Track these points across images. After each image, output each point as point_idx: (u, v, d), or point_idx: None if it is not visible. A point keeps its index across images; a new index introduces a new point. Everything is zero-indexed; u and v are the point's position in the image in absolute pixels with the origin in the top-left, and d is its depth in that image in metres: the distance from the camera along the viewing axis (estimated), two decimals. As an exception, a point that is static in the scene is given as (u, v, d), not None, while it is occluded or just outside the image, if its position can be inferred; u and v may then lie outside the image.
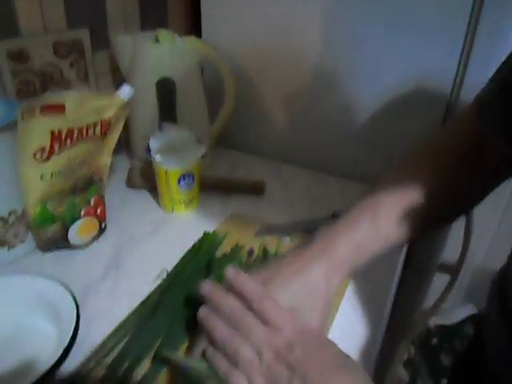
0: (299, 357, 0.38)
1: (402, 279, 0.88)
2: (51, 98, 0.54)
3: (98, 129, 0.61)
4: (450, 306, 1.68)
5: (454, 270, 0.97)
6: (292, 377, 0.37)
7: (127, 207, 0.77)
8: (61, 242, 0.65)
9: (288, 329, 0.40)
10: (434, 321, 1.69)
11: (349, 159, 0.89)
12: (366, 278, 0.60)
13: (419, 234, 0.51)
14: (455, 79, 0.74)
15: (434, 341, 1.63)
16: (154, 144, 0.70)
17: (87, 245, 0.67)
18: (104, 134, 0.62)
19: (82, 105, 0.57)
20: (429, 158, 0.52)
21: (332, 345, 0.41)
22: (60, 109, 0.54)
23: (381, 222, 0.48)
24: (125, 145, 0.93)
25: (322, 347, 0.40)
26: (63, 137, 0.56)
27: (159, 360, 0.47)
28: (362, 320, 0.56)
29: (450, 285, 1.01)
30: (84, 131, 0.59)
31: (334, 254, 0.46)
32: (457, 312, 1.73)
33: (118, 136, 0.67)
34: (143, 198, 0.80)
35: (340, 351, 0.40)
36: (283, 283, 0.44)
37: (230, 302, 0.43)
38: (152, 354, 0.48)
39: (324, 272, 0.45)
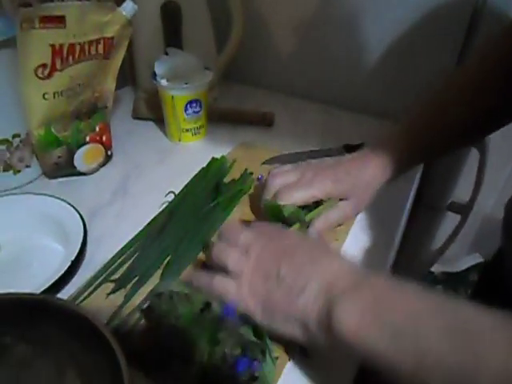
0: (285, 245, 0.40)
1: (413, 216, 0.87)
2: (51, 8, 0.51)
3: (101, 47, 0.58)
4: (456, 254, 1.69)
5: (464, 210, 0.95)
6: (279, 261, 0.37)
7: (133, 137, 0.75)
8: (67, 168, 0.64)
9: (270, 229, 0.43)
10: (440, 268, 1.70)
11: (361, 95, 0.85)
12: (377, 209, 0.59)
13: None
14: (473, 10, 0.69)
15: (439, 287, 1.65)
16: (159, 69, 0.67)
17: (94, 171, 0.66)
18: (107, 53, 0.60)
19: (83, 18, 0.54)
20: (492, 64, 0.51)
21: (320, 240, 0.45)
22: (60, 21, 0.52)
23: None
24: (130, 77, 0.90)
25: (310, 239, 0.43)
26: (64, 52, 0.54)
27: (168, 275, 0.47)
28: (371, 250, 0.55)
29: (460, 225, 0.99)
30: (86, 48, 0.56)
31: (385, 157, 0.53)
32: (462, 260, 1.74)
33: (121, 58, 0.64)
34: (149, 128, 0.78)
35: (332, 253, 0.40)
36: (340, 178, 0.51)
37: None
38: (161, 270, 0.48)
39: (376, 172, 0.53)
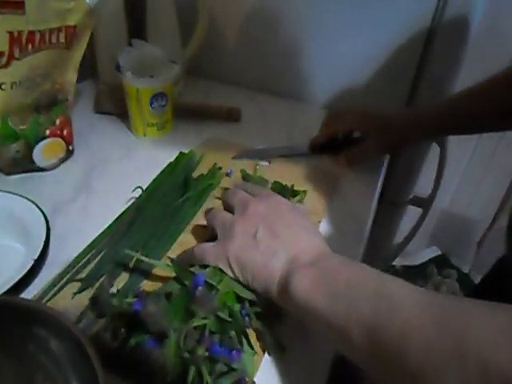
0: (270, 211, 0.42)
1: (376, 211, 0.88)
2: (8, -8, 0.48)
3: (63, 35, 0.56)
4: (416, 248, 1.74)
5: (425, 204, 0.98)
6: (259, 223, 0.40)
7: (96, 132, 0.73)
8: (25, 164, 0.61)
9: (267, 194, 0.46)
10: (401, 262, 1.75)
11: (326, 90, 0.86)
12: (345, 203, 0.60)
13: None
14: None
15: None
16: (123, 61, 0.65)
17: (54, 167, 0.63)
18: (69, 42, 0.57)
19: (44, 5, 0.51)
20: None
21: (305, 220, 0.44)
22: (19, 6, 0.49)
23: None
24: (91, 70, 0.86)
25: (297, 211, 0.44)
26: (23, 40, 0.51)
27: (138, 272, 0.45)
28: (340, 244, 0.55)
29: (421, 219, 1.02)
30: (47, 36, 0.54)
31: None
32: (421, 254, 1.80)
33: (84, 49, 0.62)
34: (113, 123, 0.76)
35: (311, 229, 0.43)
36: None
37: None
38: (130, 267, 0.46)
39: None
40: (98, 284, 0.44)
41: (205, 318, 0.37)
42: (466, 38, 0.74)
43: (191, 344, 0.35)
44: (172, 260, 0.41)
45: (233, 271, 0.40)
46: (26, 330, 0.33)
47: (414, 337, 0.27)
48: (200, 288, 0.37)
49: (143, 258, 0.43)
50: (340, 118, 0.67)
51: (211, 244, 0.42)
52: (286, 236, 0.40)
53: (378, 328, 0.29)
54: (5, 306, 0.33)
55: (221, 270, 0.41)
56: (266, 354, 0.40)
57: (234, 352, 0.36)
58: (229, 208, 0.46)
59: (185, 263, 0.43)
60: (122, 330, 0.37)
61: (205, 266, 0.42)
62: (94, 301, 0.38)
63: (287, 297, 0.36)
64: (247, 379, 0.36)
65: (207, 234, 0.48)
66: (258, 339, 0.40)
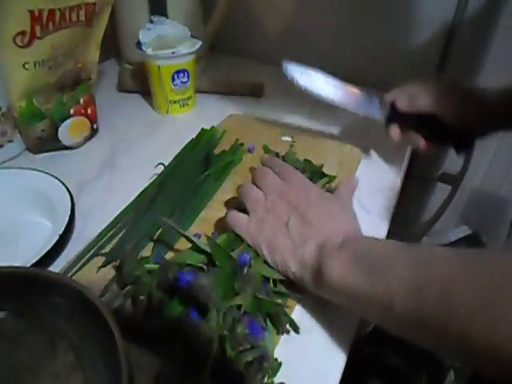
0: (301, 200, 0.43)
1: (404, 187, 0.86)
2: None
3: (83, 13, 0.55)
4: (445, 226, 1.70)
5: (455, 181, 0.95)
6: (291, 213, 0.42)
7: (120, 111, 0.73)
8: (51, 142, 0.62)
9: (297, 181, 0.45)
10: (430, 241, 1.72)
11: (352, 64, 0.84)
12: (371, 179, 0.59)
13: None
14: None
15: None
16: (144, 37, 0.65)
17: (79, 145, 0.64)
18: (89, 20, 0.57)
19: (63, -18, 0.51)
20: None
21: (336, 202, 0.44)
22: (38, -16, 0.49)
23: None
24: (113, 49, 0.87)
25: (326, 200, 0.44)
26: (44, 19, 0.51)
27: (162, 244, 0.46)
28: (366, 220, 0.54)
29: (450, 196, 1.00)
30: (67, 14, 0.54)
31: None
32: (451, 233, 1.76)
33: (104, 26, 0.62)
34: (136, 101, 0.76)
35: (343, 208, 0.44)
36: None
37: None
38: (152, 243, 0.47)
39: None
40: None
41: (243, 299, 0.37)
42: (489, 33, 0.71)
43: (230, 322, 0.36)
44: (208, 238, 0.41)
45: (263, 253, 0.42)
46: (51, 300, 0.34)
47: (460, 284, 0.27)
48: (246, 267, 0.38)
49: (175, 226, 0.44)
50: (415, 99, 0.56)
51: (245, 217, 0.44)
52: (316, 224, 0.41)
53: (420, 290, 0.29)
54: (32, 277, 0.34)
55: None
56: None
57: (259, 327, 0.36)
58: (257, 186, 0.46)
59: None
60: (155, 299, 0.38)
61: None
62: (121, 268, 0.40)
63: (322, 283, 0.37)
64: (269, 356, 0.36)
65: (236, 204, 0.48)
66: (274, 319, 0.40)
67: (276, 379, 0.36)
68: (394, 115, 0.57)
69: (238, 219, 0.44)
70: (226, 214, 0.46)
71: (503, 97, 0.53)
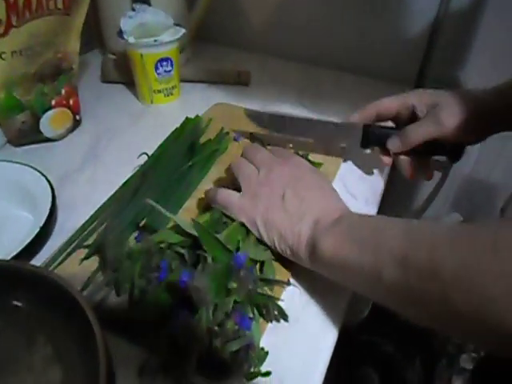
0: (294, 174, 0.43)
1: (393, 175, 0.86)
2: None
3: (60, 1, 0.54)
4: (436, 214, 1.71)
5: (444, 167, 0.95)
6: (285, 187, 0.41)
7: (103, 102, 0.72)
8: (33, 134, 0.60)
9: (288, 155, 0.46)
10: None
11: (337, 52, 0.83)
12: (358, 165, 0.59)
13: None
14: None
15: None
16: (126, 25, 0.63)
17: (62, 137, 0.63)
18: (67, 8, 0.56)
19: (38, -32, 0.50)
20: None
21: (324, 177, 0.45)
22: (12, -30, 0.47)
23: None
24: (97, 39, 0.85)
25: (316, 173, 0.44)
26: (20, 7, 0.50)
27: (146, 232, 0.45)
28: (353, 205, 0.54)
29: (440, 183, 0.99)
30: (44, 2, 0.52)
31: None
32: (443, 221, 1.76)
33: (84, 15, 0.60)
34: (120, 91, 0.75)
35: (331, 191, 0.44)
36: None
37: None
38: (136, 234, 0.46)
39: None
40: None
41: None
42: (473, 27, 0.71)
43: (220, 317, 0.35)
44: (195, 221, 0.40)
45: (258, 231, 0.41)
46: (30, 294, 0.33)
47: (445, 249, 0.28)
48: (243, 268, 0.37)
49: (162, 209, 0.41)
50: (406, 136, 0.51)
51: (236, 194, 0.43)
52: (311, 198, 0.41)
53: (408, 257, 0.30)
54: (12, 270, 0.34)
55: (244, 225, 0.42)
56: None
57: (249, 321, 0.36)
58: (250, 160, 0.46)
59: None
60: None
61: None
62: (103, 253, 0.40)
63: (317, 258, 0.37)
64: (256, 345, 0.36)
65: (227, 180, 0.48)
66: (262, 306, 0.39)
67: (263, 368, 0.35)
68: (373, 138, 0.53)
69: (228, 196, 0.44)
70: (210, 191, 0.46)
71: (502, 99, 0.49)
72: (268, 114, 0.59)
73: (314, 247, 0.37)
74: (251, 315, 0.38)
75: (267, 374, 0.35)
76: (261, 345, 0.37)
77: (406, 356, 1.03)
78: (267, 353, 0.36)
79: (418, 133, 0.49)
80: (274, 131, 0.57)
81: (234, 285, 0.36)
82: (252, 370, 0.35)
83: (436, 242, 0.29)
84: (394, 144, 0.51)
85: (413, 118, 0.51)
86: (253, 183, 0.43)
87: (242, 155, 0.48)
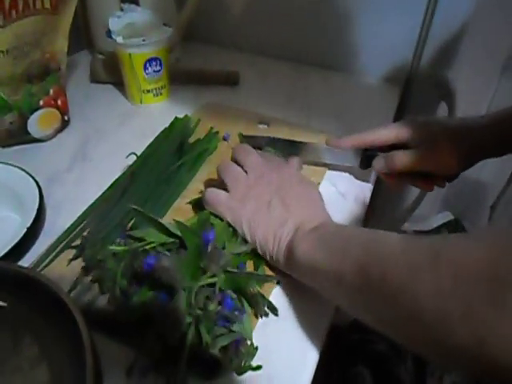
0: (283, 182, 0.44)
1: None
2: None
3: (47, 1, 0.54)
4: (427, 212, 1.72)
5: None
6: (273, 193, 0.42)
7: (92, 102, 0.72)
8: (20, 135, 0.60)
9: (278, 161, 0.47)
10: (411, 227, 1.73)
11: (329, 51, 0.83)
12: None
13: None
14: None
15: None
16: (114, 25, 0.63)
17: (50, 137, 0.63)
18: (54, 7, 0.55)
19: (24, -33, 0.49)
20: None
21: (312, 186, 0.46)
22: (-3, -31, 0.47)
23: None
24: (86, 40, 0.85)
25: (303, 183, 0.45)
26: (6, 6, 0.50)
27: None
28: (342, 205, 0.54)
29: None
30: (31, 2, 0.52)
31: None
32: (433, 219, 1.77)
33: (72, 14, 0.60)
34: (109, 92, 0.74)
35: (318, 193, 0.46)
36: None
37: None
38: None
39: None
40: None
41: (214, 276, 0.38)
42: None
43: (202, 301, 0.36)
44: (178, 222, 0.41)
45: (243, 231, 0.43)
46: (16, 295, 0.33)
47: (394, 261, 0.29)
48: (211, 244, 0.38)
49: (147, 214, 0.42)
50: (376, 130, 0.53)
51: (225, 194, 0.44)
52: (295, 207, 0.42)
53: (368, 263, 0.31)
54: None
55: (231, 226, 0.43)
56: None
57: (237, 312, 0.36)
58: (238, 164, 0.47)
59: None
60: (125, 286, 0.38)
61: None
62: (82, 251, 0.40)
63: (292, 263, 0.39)
64: (246, 340, 0.36)
65: (217, 181, 0.48)
66: (251, 301, 0.39)
67: (253, 363, 0.36)
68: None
69: (216, 195, 0.44)
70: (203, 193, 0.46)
71: (493, 127, 0.50)
72: (265, 138, 0.59)
73: (290, 252, 0.39)
74: (240, 306, 0.38)
75: (258, 367, 0.35)
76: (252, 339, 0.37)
77: (398, 354, 1.04)
78: (257, 348, 0.36)
79: (406, 162, 0.50)
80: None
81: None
82: (242, 364, 0.35)
83: (391, 251, 0.30)
84: (379, 165, 0.52)
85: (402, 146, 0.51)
86: (241, 185, 0.44)
87: (231, 156, 0.48)
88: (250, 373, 0.35)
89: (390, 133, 0.52)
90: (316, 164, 0.57)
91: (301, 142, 0.58)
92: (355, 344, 1.02)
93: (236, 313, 0.37)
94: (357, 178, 0.58)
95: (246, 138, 0.60)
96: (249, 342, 0.36)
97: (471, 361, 0.24)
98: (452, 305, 0.24)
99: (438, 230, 1.72)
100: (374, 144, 0.53)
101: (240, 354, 0.35)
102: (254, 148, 0.48)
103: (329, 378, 0.67)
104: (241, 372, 0.35)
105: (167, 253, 0.40)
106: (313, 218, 0.41)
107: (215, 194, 0.45)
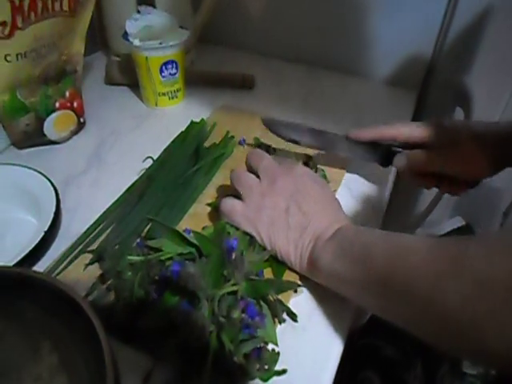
0: (298, 186, 0.42)
1: (397, 179, 0.86)
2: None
3: (66, 3, 0.54)
4: (439, 218, 1.70)
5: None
6: (288, 200, 0.42)
7: (108, 104, 0.72)
8: (37, 137, 0.60)
9: (291, 164, 0.45)
10: (424, 232, 1.72)
11: (346, 53, 0.82)
12: (363, 173, 0.58)
13: None
14: None
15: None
16: (131, 28, 0.63)
17: (66, 139, 0.63)
18: (73, 10, 0.55)
19: (44, -30, 0.49)
20: None
21: (327, 187, 0.45)
22: (18, -28, 0.47)
23: None
24: (101, 41, 0.85)
25: (318, 184, 0.44)
26: (25, 8, 0.50)
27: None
28: (359, 213, 0.53)
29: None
30: (49, 4, 0.52)
31: None
32: (445, 224, 1.75)
33: (89, 17, 0.60)
34: (124, 94, 0.74)
35: (332, 193, 0.46)
36: None
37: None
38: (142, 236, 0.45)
39: None
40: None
41: (235, 284, 0.38)
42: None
43: (225, 309, 0.36)
44: (195, 232, 0.42)
45: (263, 242, 0.42)
46: (34, 301, 0.33)
47: (420, 270, 0.30)
48: (235, 252, 0.38)
49: (163, 223, 0.43)
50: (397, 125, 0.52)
51: (240, 204, 0.44)
52: (312, 213, 0.41)
53: (391, 273, 0.32)
54: (15, 277, 0.33)
55: (247, 234, 0.43)
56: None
57: (258, 317, 0.36)
58: (252, 170, 0.46)
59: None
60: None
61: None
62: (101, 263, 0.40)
63: (316, 271, 0.39)
64: (270, 346, 0.36)
65: (232, 188, 0.47)
66: (270, 307, 0.39)
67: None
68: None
69: (232, 205, 0.44)
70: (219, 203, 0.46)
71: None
72: (285, 122, 0.56)
73: (313, 262, 0.39)
74: (260, 308, 0.38)
75: (283, 371, 0.35)
76: (274, 344, 0.37)
77: (407, 360, 1.03)
78: (279, 354, 0.36)
79: (429, 163, 0.50)
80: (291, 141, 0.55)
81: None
82: (266, 367, 0.35)
83: (414, 262, 0.30)
84: (400, 162, 0.52)
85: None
86: (255, 193, 0.43)
87: (246, 162, 0.47)
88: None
89: (413, 131, 0.51)
90: (335, 158, 0.56)
91: (323, 132, 0.55)
92: (364, 349, 1.01)
93: (257, 318, 0.36)
94: (374, 181, 0.57)
95: (267, 122, 0.56)
96: (271, 348, 0.36)
97: (503, 360, 0.25)
98: (480, 313, 0.25)
99: (450, 235, 1.70)
100: (395, 139, 0.52)
101: (263, 360, 0.35)
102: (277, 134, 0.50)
103: (338, 382, 0.67)
104: (266, 378, 0.34)
105: (190, 261, 0.39)
106: (332, 222, 0.41)
107: (231, 204, 0.44)
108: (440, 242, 0.31)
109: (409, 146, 0.52)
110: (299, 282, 0.42)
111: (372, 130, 0.53)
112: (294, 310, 0.39)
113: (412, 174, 0.53)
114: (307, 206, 0.41)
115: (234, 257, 0.38)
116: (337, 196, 0.53)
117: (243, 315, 0.35)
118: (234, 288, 0.37)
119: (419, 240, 0.32)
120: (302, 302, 0.41)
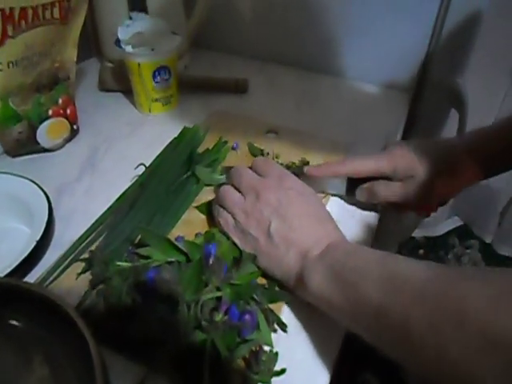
0: (281, 199, 0.41)
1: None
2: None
3: (57, 11, 0.54)
4: (436, 218, 1.70)
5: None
6: (271, 215, 0.41)
7: (101, 110, 0.71)
8: (30, 145, 0.60)
9: (275, 175, 0.44)
10: (421, 233, 1.72)
11: (339, 56, 0.82)
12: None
13: None
14: None
15: (421, 251, 1.67)
16: (123, 34, 0.63)
17: (59, 147, 0.62)
18: (64, 17, 0.55)
19: (34, -21, 0.49)
20: None
21: (313, 196, 0.44)
22: (7, -19, 0.47)
23: None
24: (94, 47, 0.85)
25: (304, 195, 0.43)
26: (16, 17, 0.50)
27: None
28: (354, 213, 0.53)
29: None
30: (40, 12, 0.52)
31: None
32: (443, 224, 1.76)
33: (81, 24, 0.60)
34: (117, 100, 0.74)
35: (320, 203, 0.44)
36: None
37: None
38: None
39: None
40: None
41: (218, 290, 0.37)
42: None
43: (207, 312, 0.36)
44: (186, 241, 0.42)
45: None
46: (25, 312, 0.33)
47: (417, 310, 0.28)
48: (212, 257, 0.38)
49: (152, 230, 0.43)
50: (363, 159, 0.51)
51: (232, 220, 0.44)
52: (298, 227, 0.40)
53: (384, 307, 0.30)
54: (5, 288, 0.33)
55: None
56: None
57: (246, 315, 0.36)
58: (236, 186, 0.46)
59: None
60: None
61: None
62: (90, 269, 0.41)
63: (304, 290, 0.38)
64: (266, 348, 0.36)
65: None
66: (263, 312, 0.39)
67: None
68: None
69: (226, 220, 0.44)
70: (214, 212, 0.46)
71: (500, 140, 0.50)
72: None
73: (301, 280, 0.38)
74: (249, 308, 0.38)
75: (282, 371, 0.35)
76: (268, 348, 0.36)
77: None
78: (277, 354, 0.36)
79: (388, 196, 0.49)
80: None
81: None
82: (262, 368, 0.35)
83: (410, 296, 0.29)
84: (361, 196, 0.51)
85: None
86: (239, 212, 0.43)
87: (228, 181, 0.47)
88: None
89: (372, 164, 0.49)
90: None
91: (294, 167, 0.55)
92: (363, 351, 1.01)
93: (247, 317, 0.36)
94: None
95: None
96: (268, 349, 0.36)
97: None
98: (482, 369, 0.24)
99: (447, 236, 1.70)
100: (356, 174, 0.51)
101: (261, 363, 0.35)
102: None
103: (336, 384, 0.67)
104: (266, 381, 0.34)
105: (168, 266, 0.39)
106: (320, 237, 0.40)
107: (225, 218, 0.44)
108: (440, 273, 0.29)
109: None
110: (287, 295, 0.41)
111: (326, 167, 0.51)
112: (287, 318, 0.39)
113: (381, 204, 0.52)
114: (291, 219, 0.40)
115: (211, 262, 0.38)
116: (329, 202, 0.53)
117: (226, 318, 0.35)
118: (218, 294, 0.37)
119: (417, 268, 0.31)
120: (298, 303, 0.41)
